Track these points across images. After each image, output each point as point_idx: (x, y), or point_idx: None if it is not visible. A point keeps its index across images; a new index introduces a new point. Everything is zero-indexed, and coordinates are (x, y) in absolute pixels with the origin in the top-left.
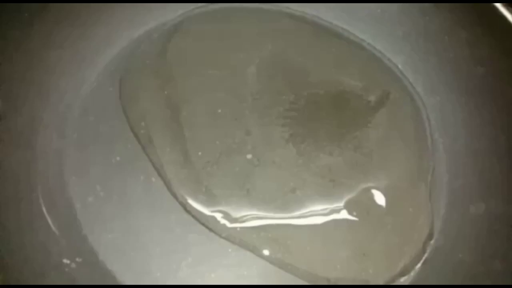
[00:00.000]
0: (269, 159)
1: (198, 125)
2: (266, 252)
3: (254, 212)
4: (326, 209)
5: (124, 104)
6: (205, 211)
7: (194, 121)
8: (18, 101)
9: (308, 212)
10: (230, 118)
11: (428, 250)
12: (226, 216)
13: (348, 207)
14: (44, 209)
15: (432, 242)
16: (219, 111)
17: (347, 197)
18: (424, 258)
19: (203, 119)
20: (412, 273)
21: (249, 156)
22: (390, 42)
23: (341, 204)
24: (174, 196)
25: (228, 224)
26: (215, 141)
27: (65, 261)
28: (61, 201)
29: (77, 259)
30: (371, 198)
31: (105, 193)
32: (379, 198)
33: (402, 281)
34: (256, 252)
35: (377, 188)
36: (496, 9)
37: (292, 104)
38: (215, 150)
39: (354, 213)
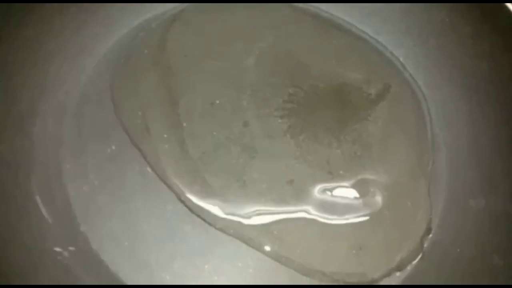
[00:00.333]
0: (266, 150)
1: (196, 115)
2: (261, 244)
3: (250, 204)
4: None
5: (121, 93)
6: (201, 202)
7: (191, 112)
8: (16, 89)
9: (305, 204)
10: (228, 109)
11: (426, 245)
12: (222, 207)
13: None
14: (38, 198)
15: (430, 236)
16: (217, 102)
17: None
18: (422, 252)
19: (200, 110)
20: (410, 268)
21: (246, 148)
22: (393, 35)
23: None
24: (170, 186)
25: (223, 215)
26: (212, 132)
27: (58, 249)
28: (56, 189)
29: (70, 248)
30: (369, 191)
31: (100, 182)
32: (377, 192)
33: (399, 275)
34: (251, 244)
35: (376, 182)
36: (501, 5)
37: (291, 96)
38: (212, 141)
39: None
